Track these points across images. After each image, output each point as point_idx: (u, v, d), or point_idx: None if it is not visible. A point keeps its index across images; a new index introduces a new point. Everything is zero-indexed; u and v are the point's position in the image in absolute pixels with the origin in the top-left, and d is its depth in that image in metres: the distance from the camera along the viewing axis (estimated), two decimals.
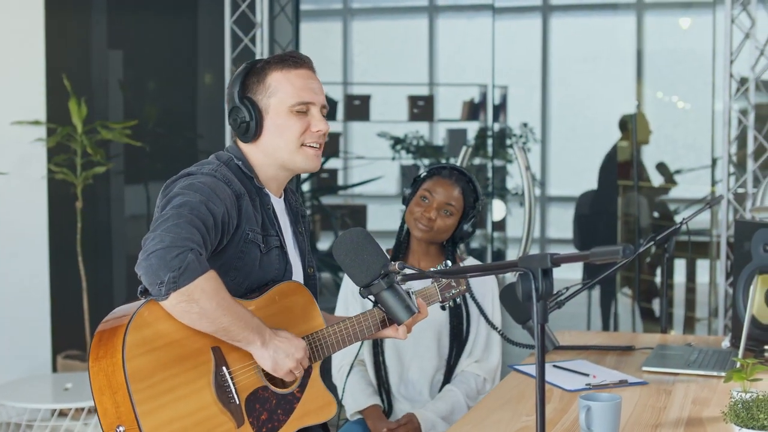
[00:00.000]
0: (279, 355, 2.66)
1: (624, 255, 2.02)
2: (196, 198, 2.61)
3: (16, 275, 6.23)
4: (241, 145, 2.90)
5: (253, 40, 6.10)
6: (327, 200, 8.11)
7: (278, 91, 2.84)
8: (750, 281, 3.77)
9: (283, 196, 2.99)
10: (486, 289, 3.81)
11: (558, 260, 2.12)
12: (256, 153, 2.88)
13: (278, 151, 2.85)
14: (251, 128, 2.84)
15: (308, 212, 7.62)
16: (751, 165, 5.48)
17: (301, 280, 2.97)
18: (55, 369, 6.35)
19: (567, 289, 3.82)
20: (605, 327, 7.03)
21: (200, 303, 2.50)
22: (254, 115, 2.83)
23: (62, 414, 5.68)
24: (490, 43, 6.80)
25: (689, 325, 6.88)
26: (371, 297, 2.81)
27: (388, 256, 3.71)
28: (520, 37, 8.41)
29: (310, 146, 2.87)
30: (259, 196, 2.85)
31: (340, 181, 8.30)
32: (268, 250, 2.83)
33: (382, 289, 2.77)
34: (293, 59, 2.89)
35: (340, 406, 3.77)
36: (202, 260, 2.51)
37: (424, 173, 3.81)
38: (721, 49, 5.60)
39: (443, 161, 7.89)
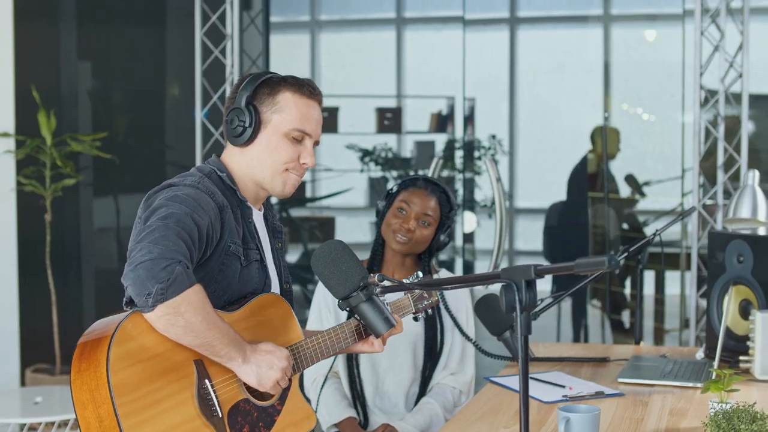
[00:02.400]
0: (262, 368, 2.65)
1: (609, 266, 2.02)
2: (182, 210, 2.60)
3: None
4: (225, 156, 2.91)
5: (223, 52, 6.09)
6: (295, 212, 8.09)
7: (284, 111, 2.84)
8: (724, 292, 3.79)
9: (262, 210, 2.98)
10: (460, 301, 3.82)
11: (542, 271, 2.12)
12: (240, 161, 2.87)
13: (261, 166, 2.85)
14: (246, 133, 2.84)
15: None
16: (721, 177, 5.51)
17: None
18: (23, 383, 6.30)
19: (541, 300, 3.84)
20: (576, 338, 7.05)
21: (186, 316, 2.49)
22: (254, 123, 2.83)
23: (32, 429, 5.64)
24: (457, 55, 6.81)
25: (658, 336, 6.90)
26: (350, 309, 2.81)
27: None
28: (488, 49, 8.43)
29: (291, 172, 2.87)
30: (241, 208, 2.85)
31: (308, 193, 8.28)
32: (249, 263, 2.82)
33: (361, 301, 2.76)
34: (309, 88, 2.89)
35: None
36: (189, 273, 2.50)
37: (398, 185, 3.82)
38: (691, 61, 5.63)
39: (412, 173, 7.90)
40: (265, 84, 2.87)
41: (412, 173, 7.93)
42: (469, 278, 2.42)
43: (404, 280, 3.18)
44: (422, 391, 3.79)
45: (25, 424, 5.47)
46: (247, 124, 2.84)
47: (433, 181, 3.80)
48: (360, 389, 3.78)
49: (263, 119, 2.84)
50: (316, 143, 2.91)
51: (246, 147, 2.86)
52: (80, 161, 6.57)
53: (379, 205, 3.83)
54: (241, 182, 2.89)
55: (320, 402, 3.73)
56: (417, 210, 3.73)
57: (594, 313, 7.23)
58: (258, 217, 2.94)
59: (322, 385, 3.74)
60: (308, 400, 3.73)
